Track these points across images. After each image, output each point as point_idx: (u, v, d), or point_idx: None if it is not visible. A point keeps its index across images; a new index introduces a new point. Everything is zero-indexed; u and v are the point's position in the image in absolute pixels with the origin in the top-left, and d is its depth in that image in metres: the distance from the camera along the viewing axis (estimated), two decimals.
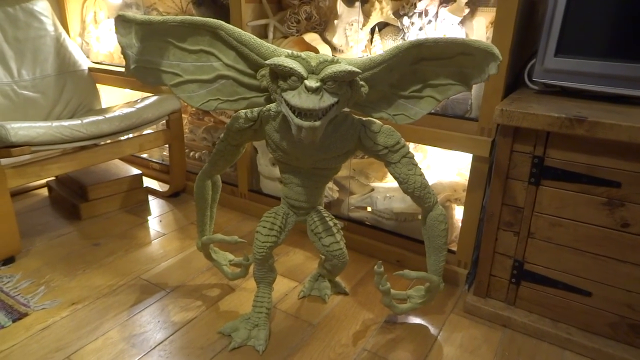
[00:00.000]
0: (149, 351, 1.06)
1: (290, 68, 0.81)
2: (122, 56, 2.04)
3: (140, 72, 0.88)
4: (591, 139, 0.98)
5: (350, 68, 0.81)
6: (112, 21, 2.09)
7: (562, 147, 1.02)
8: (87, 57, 2.04)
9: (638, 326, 1.04)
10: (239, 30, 0.89)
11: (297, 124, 0.83)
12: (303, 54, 0.85)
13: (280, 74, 0.84)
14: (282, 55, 0.87)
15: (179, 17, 0.86)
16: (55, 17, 1.86)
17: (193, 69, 0.93)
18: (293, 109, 0.83)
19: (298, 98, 0.82)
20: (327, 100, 0.83)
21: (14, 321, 1.14)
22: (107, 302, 1.23)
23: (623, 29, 1.03)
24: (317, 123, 0.83)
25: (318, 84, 0.82)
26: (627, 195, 0.98)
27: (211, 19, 0.88)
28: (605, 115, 0.96)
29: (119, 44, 0.83)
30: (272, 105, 0.99)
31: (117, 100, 2.17)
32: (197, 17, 0.87)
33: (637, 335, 1.05)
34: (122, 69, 1.93)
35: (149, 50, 0.88)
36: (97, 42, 2.11)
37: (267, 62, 0.84)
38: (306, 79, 0.83)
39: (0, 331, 1.11)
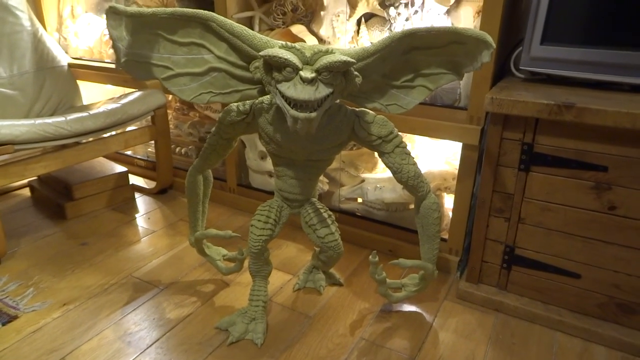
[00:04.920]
0: (146, 349, 1.05)
1: (285, 59, 0.80)
2: (102, 52, 1.99)
3: (130, 66, 0.87)
4: (579, 125, 1.00)
5: (345, 58, 0.81)
6: (89, 15, 2.03)
7: (550, 134, 1.05)
8: (66, 52, 1.98)
9: (625, 305, 1.07)
10: (231, 22, 0.88)
11: (293, 115, 0.83)
12: (297, 45, 0.85)
13: (275, 65, 0.84)
14: (276, 47, 0.87)
15: (170, 9, 0.85)
16: (31, 11, 1.81)
17: (184, 62, 0.92)
18: (288, 100, 0.83)
19: (293, 89, 0.82)
20: (323, 91, 0.83)
21: (3, 324, 1.11)
22: (99, 302, 1.21)
23: (606, 17, 1.05)
24: (313, 114, 0.82)
25: (313, 75, 0.81)
26: (614, 178, 1.01)
27: (202, 11, 0.87)
28: (592, 101, 0.99)
29: (110, 36, 0.81)
30: (265, 98, 0.99)
31: (97, 96, 2.12)
32: (188, 9, 0.86)
33: (624, 314, 1.08)
34: (103, 65, 1.89)
35: (139, 44, 0.86)
36: (75, 38, 2.06)
37: (261, 53, 0.83)
38: (301, 69, 0.82)
39: None
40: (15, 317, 1.14)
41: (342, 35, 1.47)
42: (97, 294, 1.24)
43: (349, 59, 0.81)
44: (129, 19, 0.82)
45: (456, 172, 1.40)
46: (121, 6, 0.79)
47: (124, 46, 0.83)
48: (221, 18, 0.88)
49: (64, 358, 1.02)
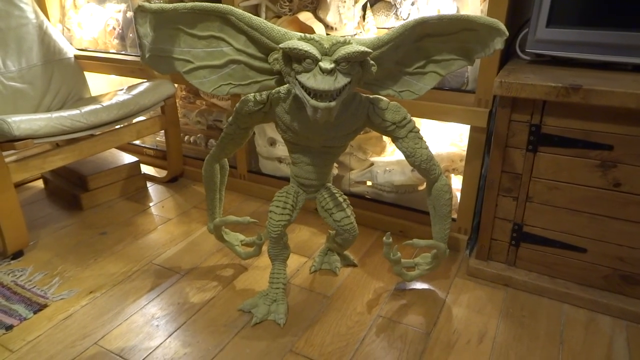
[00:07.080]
0: (174, 332, 1.10)
1: (305, 51, 0.83)
2: (107, 42, 2.00)
3: (154, 61, 0.89)
4: (585, 106, 1.04)
5: (362, 48, 0.84)
6: (91, 6, 2.03)
7: (557, 115, 1.08)
8: (70, 44, 1.99)
9: (629, 277, 1.13)
10: (249, 14, 0.91)
11: (313, 105, 0.86)
12: (315, 36, 0.87)
13: (295, 57, 0.86)
14: (294, 39, 0.89)
15: (189, 4, 0.87)
16: (35, 3, 1.81)
17: (204, 55, 0.94)
18: (308, 90, 0.86)
19: (313, 80, 0.85)
20: (342, 80, 0.86)
21: (34, 313, 1.16)
22: (124, 289, 1.25)
23: None
24: (333, 103, 0.86)
25: (332, 66, 0.84)
26: (619, 157, 1.05)
27: (221, 5, 0.89)
28: (598, 82, 1.02)
29: (138, 34, 0.83)
30: (282, 87, 1.01)
31: (100, 86, 2.14)
32: (207, 3, 0.88)
33: (628, 285, 1.14)
34: (108, 55, 1.90)
35: (161, 39, 0.88)
36: (79, 28, 2.06)
37: (281, 45, 0.86)
38: (320, 61, 0.85)
39: (23, 323, 1.13)
40: (45, 306, 1.19)
41: (349, 21, 1.49)
42: (121, 281, 1.28)
43: (366, 49, 0.84)
44: (152, 16, 0.84)
45: (463, 153, 1.44)
46: (147, 4, 0.81)
47: (148, 42, 0.86)
48: (239, 11, 0.90)
49: (96, 343, 1.07)
